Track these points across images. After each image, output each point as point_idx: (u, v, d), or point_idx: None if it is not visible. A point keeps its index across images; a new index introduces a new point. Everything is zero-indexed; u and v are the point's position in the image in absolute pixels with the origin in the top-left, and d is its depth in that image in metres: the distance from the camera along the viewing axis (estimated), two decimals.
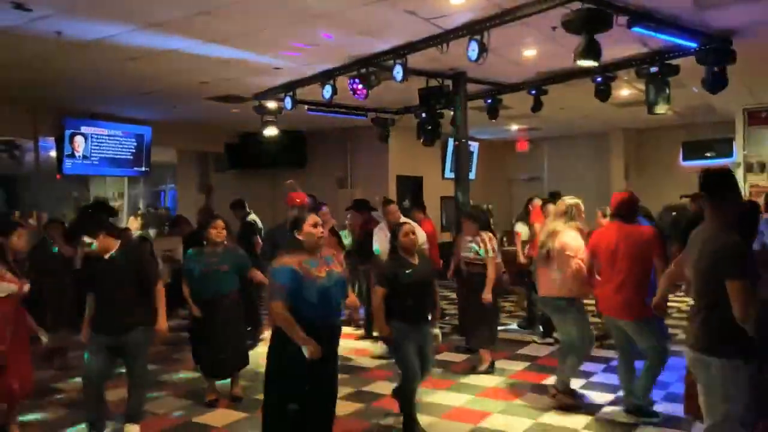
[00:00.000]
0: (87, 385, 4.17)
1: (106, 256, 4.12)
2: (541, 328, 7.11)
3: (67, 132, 9.41)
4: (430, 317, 4.56)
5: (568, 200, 4.93)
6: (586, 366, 5.53)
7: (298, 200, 5.73)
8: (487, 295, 5.62)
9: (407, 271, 4.23)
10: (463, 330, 6.57)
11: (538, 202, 7.38)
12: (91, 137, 9.73)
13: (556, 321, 5.09)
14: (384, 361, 6.13)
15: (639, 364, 4.58)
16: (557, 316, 4.97)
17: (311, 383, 3.40)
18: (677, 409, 4.44)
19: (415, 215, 7.57)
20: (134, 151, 10.36)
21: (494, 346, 5.99)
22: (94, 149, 9.79)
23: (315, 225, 3.53)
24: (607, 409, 4.80)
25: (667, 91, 6.82)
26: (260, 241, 7.74)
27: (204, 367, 5.18)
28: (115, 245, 4.15)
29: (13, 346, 4.15)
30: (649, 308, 3.82)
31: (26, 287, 4.22)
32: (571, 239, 4.72)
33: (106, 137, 9.96)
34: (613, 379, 5.09)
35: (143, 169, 10.60)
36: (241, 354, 5.18)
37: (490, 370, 5.82)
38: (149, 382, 4.71)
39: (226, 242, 5.12)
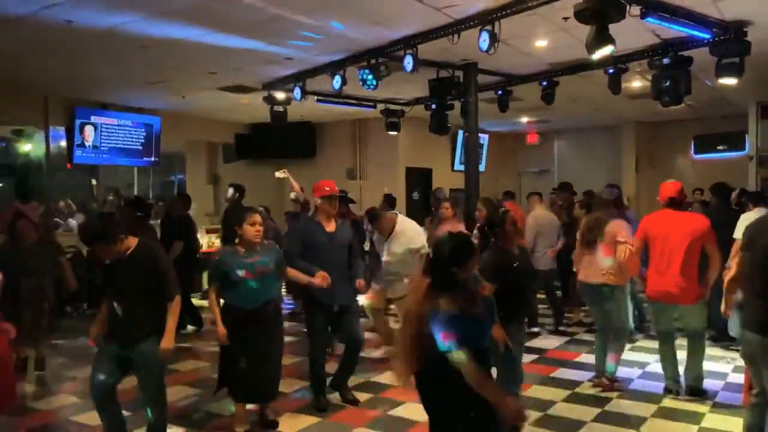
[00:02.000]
0: (102, 407, 3.62)
1: (127, 254, 3.58)
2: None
3: (78, 122, 9.45)
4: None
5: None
6: (573, 374, 5.52)
7: (327, 188, 4.71)
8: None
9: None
10: None
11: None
12: (101, 127, 9.77)
13: (596, 308, 5.14)
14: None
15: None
16: (598, 303, 5.04)
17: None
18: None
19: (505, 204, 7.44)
20: (144, 141, 10.39)
21: None
22: (104, 139, 9.83)
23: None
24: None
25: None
26: None
27: (239, 391, 4.23)
28: (134, 242, 3.62)
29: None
30: (702, 291, 4.44)
31: None
32: (622, 226, 4.83)
33: (116, 127, 10.00)
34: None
35: (153, 159, 10.63)
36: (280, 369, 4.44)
37: None
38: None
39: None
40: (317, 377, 4.72)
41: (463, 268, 2.62)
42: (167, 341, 3.58)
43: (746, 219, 5.83)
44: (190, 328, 7.34)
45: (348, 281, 4.72)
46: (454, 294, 2.58)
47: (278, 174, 7.21)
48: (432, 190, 10.79)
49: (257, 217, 4.15)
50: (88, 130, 9.60)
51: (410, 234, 5.53)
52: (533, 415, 4.53)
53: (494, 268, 3.75)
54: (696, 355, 4.71)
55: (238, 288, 4.07)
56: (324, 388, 4.75)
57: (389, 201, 8.28)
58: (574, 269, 5.28)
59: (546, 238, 6.99)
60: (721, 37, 6.04)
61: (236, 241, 4.21)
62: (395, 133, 10.11)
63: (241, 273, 4.04)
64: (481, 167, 11.01)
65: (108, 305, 3.65)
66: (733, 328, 5.98)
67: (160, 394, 3.72)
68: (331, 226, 4.65)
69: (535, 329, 6.92)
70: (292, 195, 7.27)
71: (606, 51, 5.06)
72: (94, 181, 12.59)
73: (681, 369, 4.84)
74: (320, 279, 4.35)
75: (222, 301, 4.19)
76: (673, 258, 4.57)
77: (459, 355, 2.46)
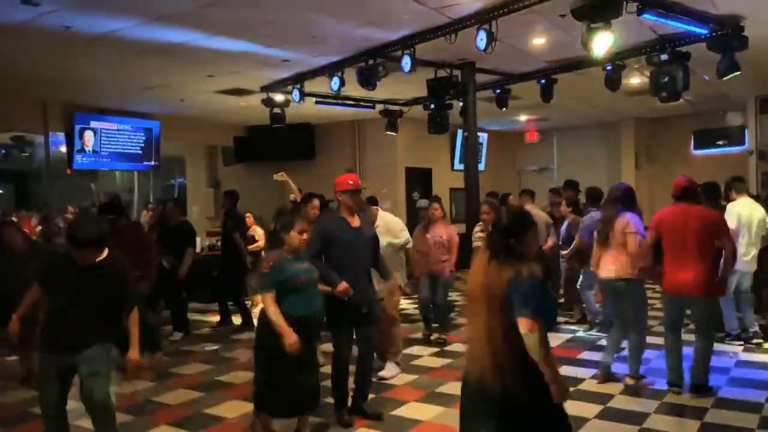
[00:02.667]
0: (51, 424, 3.42)
1: (87, 265, 3.38)
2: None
3: (77, 127, 9.47)
4: None
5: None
6: (575, 371, 5.46)
7: (351, 182, 4.41)
8: None
9: None
10: None
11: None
12: (101, 132, 9.79)
13: (613, 304, 5.19)
14: None
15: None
16: (614, 299, 5.10)
17: None
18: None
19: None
20: (143, 145, 10.41)
21: None
22: (104, 144, 9.84)
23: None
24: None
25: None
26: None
27: (281, 406, 3.93)
28: (104, 252, 3.44)
29: None
30: (718, 287, 4.42)
31: None
32: (628, 219, 4.89)
33: (116, 132, 10.01)
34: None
35: (153, 163, 10.65)
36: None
37: None
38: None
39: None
40: (341, 385, 4.39)
41: (520, 241, 2.63)
42: (135, 353, 3.50)
43: (735, 206, 5.93)
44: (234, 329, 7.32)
45: (370, 279, 4.51)
46: (522, 264, 2.55)
47: (277, 177, 7.22)
48: (416, 197, 10.82)
49: (305, 225, 4.02)
50: (88, 136, 9.62)
51: (393, 229, 5.48)
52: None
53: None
54: (704, 351, 4.70)
55: (295, 295, 3.82)
56: (347, 399, 4.44)
57: (370, 201, 8.27)
58: (591, 267, 5.36)
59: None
60: (719, 33, 6.04)
61: (283, 247, 4.03)
62: (394, 133, 10.12)
63: (300, 280, 3.85)
64: (481, 166, 11.03)
65: (53, 308, 3.43)
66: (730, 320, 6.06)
67: (108, 404, 3.45)
68: (355, 222, 4.45)
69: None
70: (291, 197, 7.28)
71: (607, 42, 5.06)
72: (93, 186, 12.62)
73: (685, 365, 4.83)
74: (342, 289, 4.21)
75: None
76: (687, 250, 4.59)
77: (532, 326, 2.43)
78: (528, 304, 2.44)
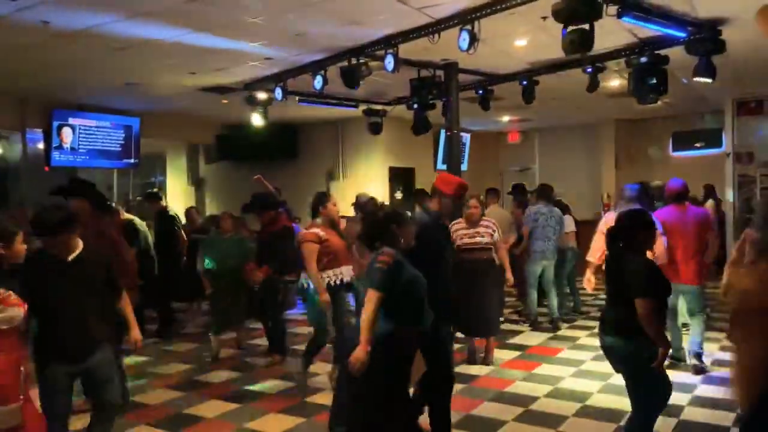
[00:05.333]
0: None
1: (69, 258, 3.18)
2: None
3: (55, 123, 9.32)
4: None
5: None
6: (554, 370, 5.67)
7: (462, 191, 3.99)
8: (510, 277, 5.93)
9: None
10: (465, 320, 5.67)
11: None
12: (79, 129, 9.65)
13: None
14: None
15: None
16: None
17: None
18: None
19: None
20: (123, 142, 10.28)
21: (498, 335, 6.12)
22: (82, 141, 9.70)
23: None
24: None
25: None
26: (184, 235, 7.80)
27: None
28: (79, 244, 3.24)
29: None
30: (707, 274, 5.30)
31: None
32: (657, 221, 5.14)
33: (95, 129, 9.88)
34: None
35: (132, 160, 10.53)
36: None
37: (490, 360, 5.82)
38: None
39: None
40: None
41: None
42: (135, 332, 3.51)
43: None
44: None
45: None
46: None
47: (255, 180, 7.22)
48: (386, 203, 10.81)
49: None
50: (66, 132, 9.48)
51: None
52: (515, 410, 4.58)
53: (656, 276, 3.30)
54: (699, 326, 5.40)
55: (407, 300, 3.21)
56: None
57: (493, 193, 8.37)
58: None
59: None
60: (696, 36, 6.13)
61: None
62: (376, 134, 10.12)
63: (423, 286, 3.30)
64: (463, 166, 11.03)
65: (45, 319, 3.15)
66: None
67: (118, 405, 3.47)
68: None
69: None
70: None
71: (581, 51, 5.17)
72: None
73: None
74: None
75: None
76: (689, 246, 5.28)
77: None
78: None
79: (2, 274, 2.89)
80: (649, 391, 3.19)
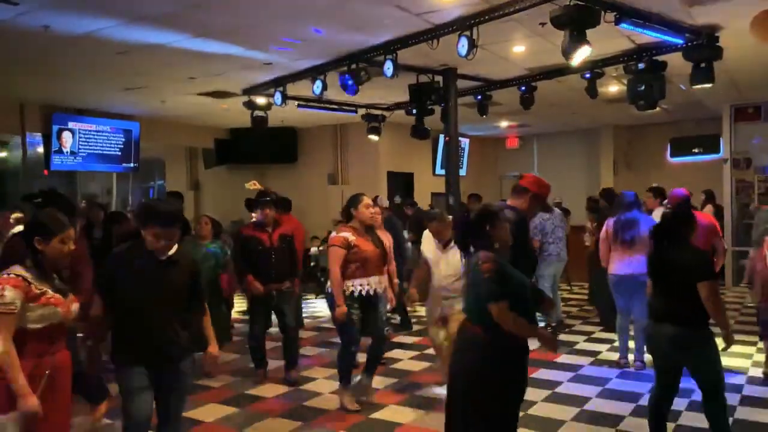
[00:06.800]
0: None
1: (163, 257, 2.97)
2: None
3: (55, 127, 9.34)
4: None
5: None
6: (552, 375, 5.56)
7: (548, 185, 3.87)
8: None
9: None
10: None
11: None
12: (79, 133, 9.67)
13: (628, 298, 5.53)
14: None
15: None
16: (629, 293, 5.49)
17: None
18: None
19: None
20: (122, 146, 10.30)
21: None
22: (82, 145, 9.72)
23: None
24: None
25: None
26: None
27: None
28: (175, 246, 3.03)
29: (53, 404, 2.72)
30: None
31: (75, 307, 2.86)
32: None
33: (94, 133, 9.90)
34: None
35: (132, 165, 10.54)
36: None
37: None
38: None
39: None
40: None
41: None
42: (214, 347, 3.23)
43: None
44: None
45: None
46: None
47: (248, 185, 7.17)
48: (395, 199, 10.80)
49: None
50: (66, 136, 9.50)
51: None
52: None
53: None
54: None
55: (519, 305, 2.95)
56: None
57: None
58: (603, 265, 5.75)
59: None
60: (694, 42, 6.17)
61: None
62: (376, 138, 10.16)
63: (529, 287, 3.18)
64: (462, 171, 11.09)
65: (130, 319, 2.95)
66: None
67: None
68: None
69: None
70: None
71: (583, 54, 5.17)
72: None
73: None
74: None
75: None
76: None
77: None
78: None
79: (42, 271, 2.76)
80: (711, 366, 3.47)
